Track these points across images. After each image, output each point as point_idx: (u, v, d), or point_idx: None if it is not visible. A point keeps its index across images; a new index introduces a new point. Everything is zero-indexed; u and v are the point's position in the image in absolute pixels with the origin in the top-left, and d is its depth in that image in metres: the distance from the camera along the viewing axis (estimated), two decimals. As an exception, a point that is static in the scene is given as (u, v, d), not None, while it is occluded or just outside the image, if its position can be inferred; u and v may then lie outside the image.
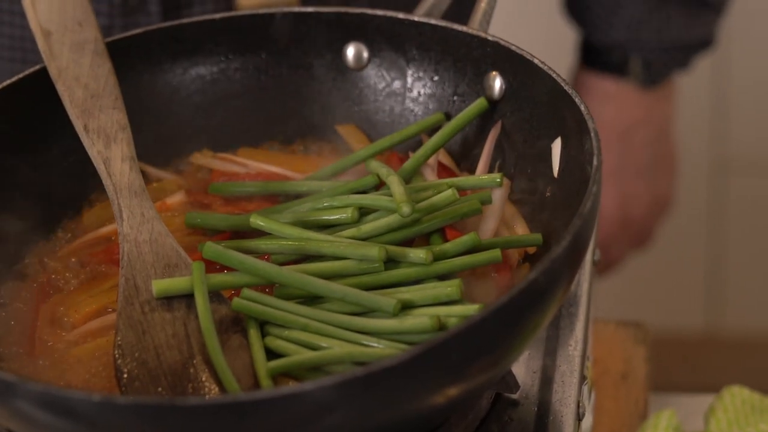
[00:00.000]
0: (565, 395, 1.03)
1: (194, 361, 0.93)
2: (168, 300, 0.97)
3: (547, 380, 1.04)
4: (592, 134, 0.95)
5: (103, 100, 1.08)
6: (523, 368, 1.04)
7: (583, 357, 1.07)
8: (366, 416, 0.83)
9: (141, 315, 0.96)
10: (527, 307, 0.87)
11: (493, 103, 1.09)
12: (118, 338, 0.94)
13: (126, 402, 0.80)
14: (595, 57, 1.68)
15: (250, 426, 0.81)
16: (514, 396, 1.01)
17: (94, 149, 1.05)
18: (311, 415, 0.81)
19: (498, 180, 1.04)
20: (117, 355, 0.94)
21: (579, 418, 1.03)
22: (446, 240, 1.01)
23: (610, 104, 1.67)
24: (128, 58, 1.13)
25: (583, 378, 1.05)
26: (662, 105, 1.70)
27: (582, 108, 0.98)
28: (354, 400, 0.81)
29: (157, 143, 1.15)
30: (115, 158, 1.05)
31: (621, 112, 1.67)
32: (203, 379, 0.92)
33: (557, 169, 1.03)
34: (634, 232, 1.75)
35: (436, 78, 1.14)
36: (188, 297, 0.97)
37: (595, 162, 0.94)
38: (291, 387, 0.80)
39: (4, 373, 0.84)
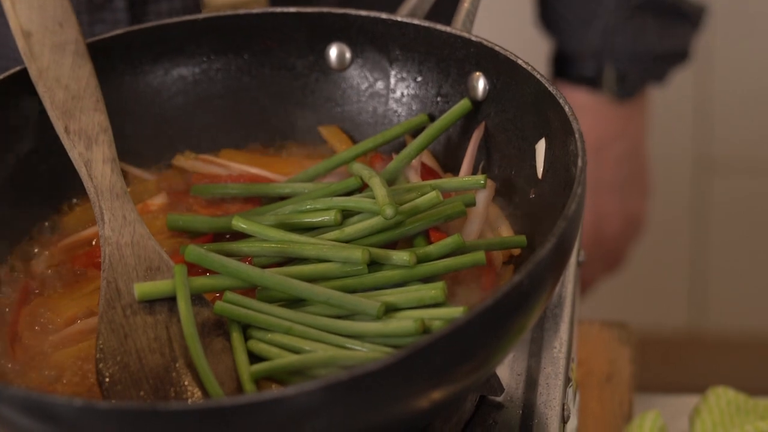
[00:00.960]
0: (550, 397, 1.02)
1: (176, 365, 0.92)
2: (150, 303, 0.96)
3: (531, 382, 1.03)
4: (577, 135, 0.95)
5: (84, 101, 1.07)
6: (508, 370, 1.03)
7: (568, 359, 1.07)
8: (350, 420, 0.82)
9: (123, 318, 0.95)
10: (512, 309, 0.86)
11: (477, 104, 1.09)
12: (100, 342, 0.94)
13: (108, 407, 0.80)
14: (568, 68, 1.66)
15: (234, 431, 0.80)
16: (499, 399, 1.01)
17: (75, 151, 1.04)
18: (295, 420, 0.80)
19: (482, 182, 1.03)
20: (99, 359, 0.93)
21: (564, 420, 1.02)
22: (430, 242, 1.00)
23: (583, 117, 1.65)
24: (109, 60, 1.12)
25: (568, 380, 1.05)
26: (636, 119, 1.68)
27: (566, 109, 0.97)
28: (338, 404, 0.80)
29: (139, 144, 1.14)
30: (97, 160, 1.04)
31: (595, 125, 1.66)
32: (186, 383, 0.91)
33: (541, 170, 1.02)
34: (607, 252, 1.73)
35: (419, 79, 1.13)
36: (170, 300, 0.96)
37: (579, 163, 0.93)
38: (275, 391, 0.80)
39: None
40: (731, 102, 2.39)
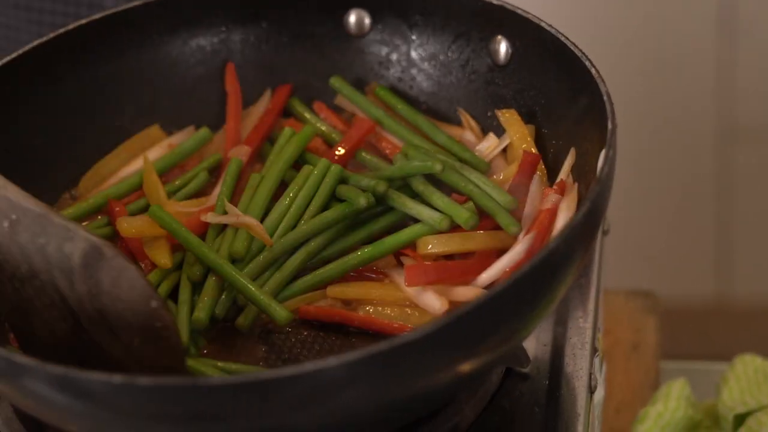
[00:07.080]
0: (577, 367, 1.01)
1: (82, 325, 0.89)
2: (29, 265, 0.89)
3: (558, 353, 1.02)
4: (605, 97, 0.94)
5: None
6: (534, 341, 1.02)
7: (594, 328, 1.06)
8: (385, 391, 0.81)
9: (15, 293, 0.90)
10: (549, 273, 0.85)
11: (500, 68, 1.07)
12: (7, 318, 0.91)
13: (147, 383, 0.78)
14: None
15: (273, 403, 0.79)
16: (525, 370, 1.00)
17: None
18: (332, 392, 0.79)
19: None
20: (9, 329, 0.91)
21: (591, 390, 1.01)
22: None
23: None
24: (126, 31, 1.11)
25: (594, 350, 1.04)
26: None
27: (593, 71, 0.96)
28: (376, 375, 0.79)
29: (159, 115, 1.13)
30: None
31: None
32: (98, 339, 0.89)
33: (567, 134, 1.01)
34: None
35: (439, 45, 1.11)
36: (41, 254, 0.88)
37: (609, 125, 0.92)
38: (314, 363, 0.78)
39: (22, 357, 0.81)
40: (755, 69, 2.37)
